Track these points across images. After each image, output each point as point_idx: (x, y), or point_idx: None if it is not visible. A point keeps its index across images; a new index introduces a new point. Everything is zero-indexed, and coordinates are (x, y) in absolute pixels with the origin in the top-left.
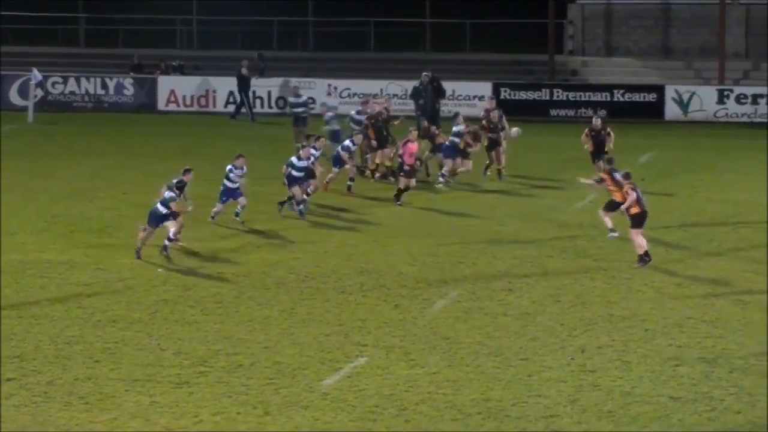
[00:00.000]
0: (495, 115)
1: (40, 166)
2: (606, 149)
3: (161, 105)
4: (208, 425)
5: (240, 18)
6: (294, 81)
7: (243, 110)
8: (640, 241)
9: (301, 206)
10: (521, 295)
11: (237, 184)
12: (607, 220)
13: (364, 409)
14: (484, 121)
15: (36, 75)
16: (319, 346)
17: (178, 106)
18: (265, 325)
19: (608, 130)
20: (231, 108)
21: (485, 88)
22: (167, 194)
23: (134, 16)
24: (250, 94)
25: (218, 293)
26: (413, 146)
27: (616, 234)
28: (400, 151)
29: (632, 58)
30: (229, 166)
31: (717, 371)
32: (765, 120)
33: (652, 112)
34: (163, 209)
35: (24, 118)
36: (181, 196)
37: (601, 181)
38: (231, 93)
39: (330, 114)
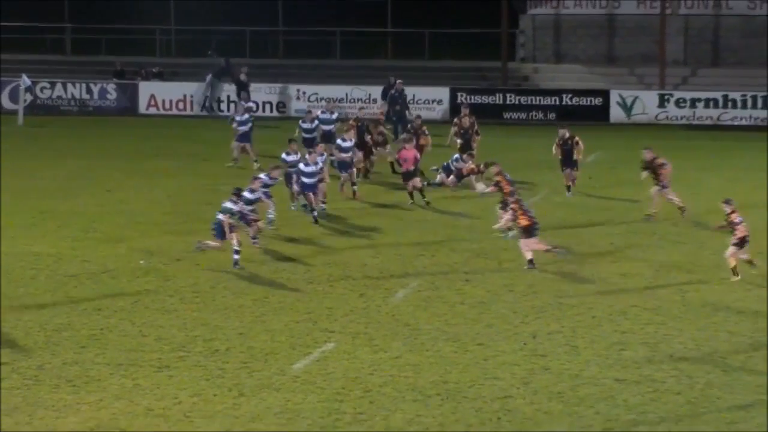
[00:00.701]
0: (466, 121)
1: (29, 166)
2: (575, 158)
3: (142, 109)
4: (187, 406)
5: (215, 27)
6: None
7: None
8: (534, 246)
9: (315, 213)
10: (477, 285)
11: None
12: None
13: (331, 390)
14: (455, 126)
15: (25, 80)
16: (289, 333)
17: (158, 109)
18: (240, 312)
19: (576, 139)
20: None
21: (443, 92)
22: (228, 205)
23: (116, 26)
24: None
25: (196, 283)
26: (407, 152)
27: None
28: (397, 156)
29: (579, 65)
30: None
31: (658, 355)
32: (702, 122)
33: (598, 115)
34: (221, 216)
35: (14, 120)
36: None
37: (497, 184)
38: (206, 98)
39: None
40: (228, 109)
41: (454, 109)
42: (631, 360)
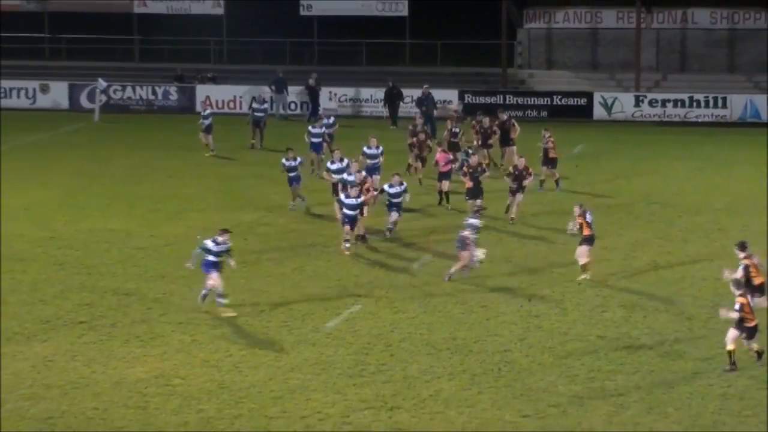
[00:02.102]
0: (486, 121)
1: (103, 156)
2: (512, 136)
3: (199, 108)
4: (237, 358)
5: (259, 39)
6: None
7: (281, 112)
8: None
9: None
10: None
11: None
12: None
13: (358, 345)
14: (477, 125)
15: (101, 83)
16: (323, 296)
17: (212, 108)
18: (281, 279)
19: (513, 121)
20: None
21: (453, 94)
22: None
23: (177, 38)
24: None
25: (243, 255)
26: (440, 155)
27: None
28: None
29: (567, 70)
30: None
31: (634, 316)
32: (672, 120)
33: (583, 113)
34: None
35: (91, 118)
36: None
37: (580, 227)
38: (253, 98)
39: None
40: (301, 109)
41: (463, 107)
42: (611, 320)
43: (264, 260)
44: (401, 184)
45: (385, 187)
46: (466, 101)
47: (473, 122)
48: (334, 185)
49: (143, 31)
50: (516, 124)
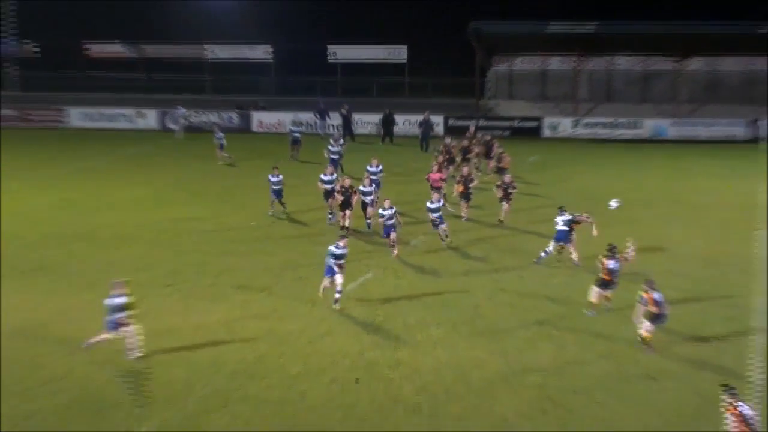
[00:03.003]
0: (466, 142)
1: (183, 163)
2: (498, 162)
3: (254, 128)
4: (280, 312)
5: (298, 76)
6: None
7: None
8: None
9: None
10: (460, 236)
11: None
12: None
13: (370, 303)
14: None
15: (181, 110)
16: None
17: (263, 129)
18: (314, 254)
19: (499, 148)
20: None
21: (439, 118)
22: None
23: (237, 76)
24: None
25: (288, 235)
26: (433, 175)
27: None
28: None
29: (523, 101)
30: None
31: (575, 282)
32: (600, 137)
33: (535, 132)
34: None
35: (173, 136)
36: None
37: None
38: (292, 122)
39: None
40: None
41: (447, 129)
42: (558, 284)
43: (302, 239)
44: (391, 207)
45: (380, 211)
46: (449, 124)
47: (444, 145)
48: (326, 191)
49: (212, 71)
50: (504, 152)
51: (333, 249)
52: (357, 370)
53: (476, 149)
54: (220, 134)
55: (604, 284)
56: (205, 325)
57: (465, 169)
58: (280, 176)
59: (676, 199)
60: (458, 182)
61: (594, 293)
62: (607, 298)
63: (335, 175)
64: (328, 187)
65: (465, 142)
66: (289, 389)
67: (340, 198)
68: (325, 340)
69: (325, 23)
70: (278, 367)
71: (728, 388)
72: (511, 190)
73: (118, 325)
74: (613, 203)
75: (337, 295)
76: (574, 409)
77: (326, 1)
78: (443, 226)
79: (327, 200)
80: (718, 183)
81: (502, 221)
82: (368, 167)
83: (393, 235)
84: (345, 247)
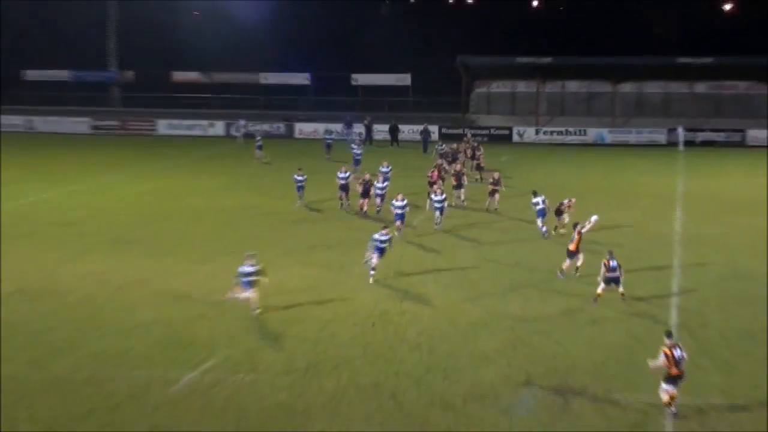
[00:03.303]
0: (458, 147)
1: (243, 161)
2: (479, 160)
3: (296, 135)
4: (316, 274)
5: (329, 98)
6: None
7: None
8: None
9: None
10: (453, 221)
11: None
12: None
13: (382, 265)
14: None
15: (242, 121)
16: (362, 238)
17: (303, 135)
18: (339, 230)
19: (479, 148)
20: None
21: (435, 128)
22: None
23: (283, 96)
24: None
25: (317, 217)
26: (432, 173)
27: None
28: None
29: (498, 115)
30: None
31: (538, 256)
32: (557, 142)
33: (507, 138)
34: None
35: (236, 142)
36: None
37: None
38: (325, 130)
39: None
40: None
41: (441, 136)
42: (526, 253)
43: (326, 221)
44: (404, 200)
45: (393, 202)
46: (443, 132)
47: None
48: (341, 185)
49: (265, 93)
50: (481, 151)
51: (377, 236)
52: (373, 316)
53: (466, 151)
54: (258, 140)
55: (571, 255)
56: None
57: (458, 166)
58: (304, 176)
59: (614, 189)
60: (452, 176)
61: (566, 263)
62: (576, 268)
63: (348, 172)
64: (343, 182)
65: (455, 146)
66: (322, 331)
67: (360, 188)
68: (349, 295)
69: (349, 57)
70: (314, 315)
71: (669, 334)
72: (498, 187)
73: (250, 285)
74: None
75: (373, 272)
76: (537, 347)
77: (350, 40)
78: (441, 215)
79: (341, 192)
80: (645, 177)
81: (489, 210)
82: (381, 168)
83: (399, 223)
84: (388, 234)
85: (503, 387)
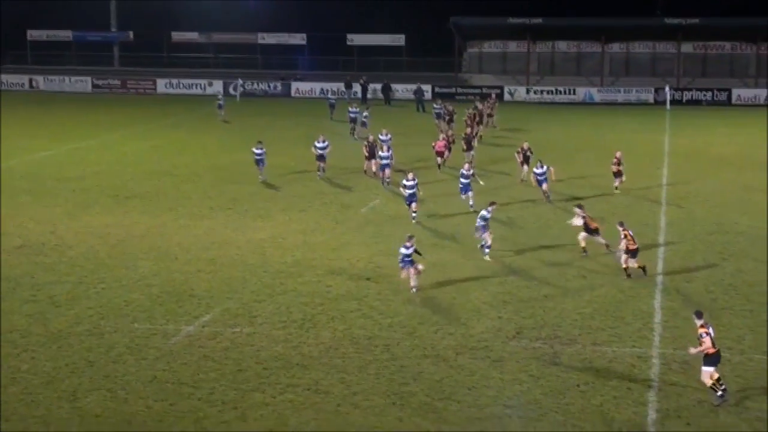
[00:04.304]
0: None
1: (242, 118)
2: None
3: (293, 94)
4: (313, 227)
5: (325, 57)
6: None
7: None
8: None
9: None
10: (445, 183)
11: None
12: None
13: (377, 221)
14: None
15: (240, 81)
16: (360, 198)
17: (300, 95)
18: (330, 188)
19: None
20: (320, 97)
21: (428, 87)
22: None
23: (280, 55)
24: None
25: (313, 177)
26: (439, 143)
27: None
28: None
29: (490, 74)
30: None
31: (512, 233)
32: (545, 101)
33: (499, 97)
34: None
35: (234, 100)
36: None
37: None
38: (322, 90)
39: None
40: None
41: (435, 95)
42: (514, 216)
43: (343, 193)
44: (414, 179)
45: (404, 182)
46: (437, 91)
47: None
48: (318, 156)
49: (263, 52)
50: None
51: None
52: (368, 271)
53: (488, 111)
54: (221, 98)
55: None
56: (256, 238)
57: (468, 130)
58: (263, 149)
59: (601, 146)
60: (463, 140)
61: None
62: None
63: (327, 142)
64: (320, 152)
65: (479, 106)
66: (318, 284)
67: (366, 151)
68: (345, 248)
69: (345, 17)
70: (310, 268)
71: (699, 314)
72: (529, 155)
73: (410, 264)
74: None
75: (415, 214)
76: (527, 300)
77: (346, 1)
78: (470, 193)
79: (318, 162)
80: (631, 135)
81: (524, 180)
82: (380, 136)
83: (414, 205)
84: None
85: (494, 339)
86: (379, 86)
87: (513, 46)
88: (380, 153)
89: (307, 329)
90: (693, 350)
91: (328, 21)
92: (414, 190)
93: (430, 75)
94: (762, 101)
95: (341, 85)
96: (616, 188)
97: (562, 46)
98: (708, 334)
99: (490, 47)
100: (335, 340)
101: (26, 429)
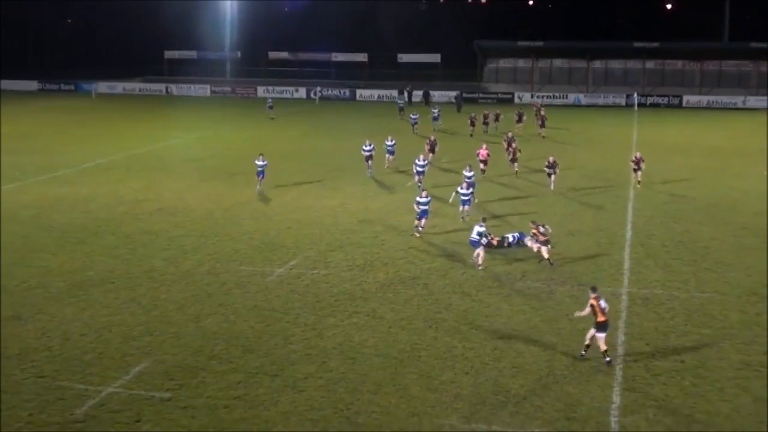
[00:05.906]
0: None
1: (322, 117)
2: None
3: (357, 99)
4: (370, 197)
5: (383, 71)
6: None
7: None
8: (602, 342)
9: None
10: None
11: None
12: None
13: (389, 208)
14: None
15: (318, 88)
16: (377, 188)
17: (362, 98)
18: (389, 173)
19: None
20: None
21: (454, 93)
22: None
23: (347, 70)
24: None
25: (377, 159)
26: (482, 150)
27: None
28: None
29: (504, 83)
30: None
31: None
32: (545, 104)
33: (510, 100)
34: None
35: (314, 102)
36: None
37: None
38: (379, 96)
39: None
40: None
41: (462, 99)
42: (506, 203)
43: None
44: (428, 197)
45: (417, 198)
46: (464, 96)
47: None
48: (366, 157)
49: (335, 67)
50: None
51: (419, 199)
52: (411, 229)
53: (542, 111)
54: (270, 100)
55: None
56: (330, 204)
57: (509, 133)
58: (265, 162)
59: (585, 137)
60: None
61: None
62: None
63: (372, 145)
64: (366, 153)
65: (521, 112)
66: (375, 239)
67: (428, 146)
68: (396, 214)
69: (397, 41)
70: (369, 226)
71: (594, 288)
72: (555, 169)
73: (484, 244)
74: None
75: (420, 229)
76: (530, 252)
77: (398, 29)
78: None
79: (366, 162)
80: (609, 129)
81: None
82: (386, 142)
83: (423, 221)
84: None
85: (505, 279)
86: (420, 92)
87: (521, 63)
88: (386, 143)
89: (367, 271)
90: (578, 313)
91: (384, 43)
92: (427, 207)
93: (459, 84)
94: (704, 105)
95: (394, 92)
96: (638, 183)
97: (557, 62)
98: (593, 306)
99: (504, 63)
100: (387, 280)
101: (164, 341)
